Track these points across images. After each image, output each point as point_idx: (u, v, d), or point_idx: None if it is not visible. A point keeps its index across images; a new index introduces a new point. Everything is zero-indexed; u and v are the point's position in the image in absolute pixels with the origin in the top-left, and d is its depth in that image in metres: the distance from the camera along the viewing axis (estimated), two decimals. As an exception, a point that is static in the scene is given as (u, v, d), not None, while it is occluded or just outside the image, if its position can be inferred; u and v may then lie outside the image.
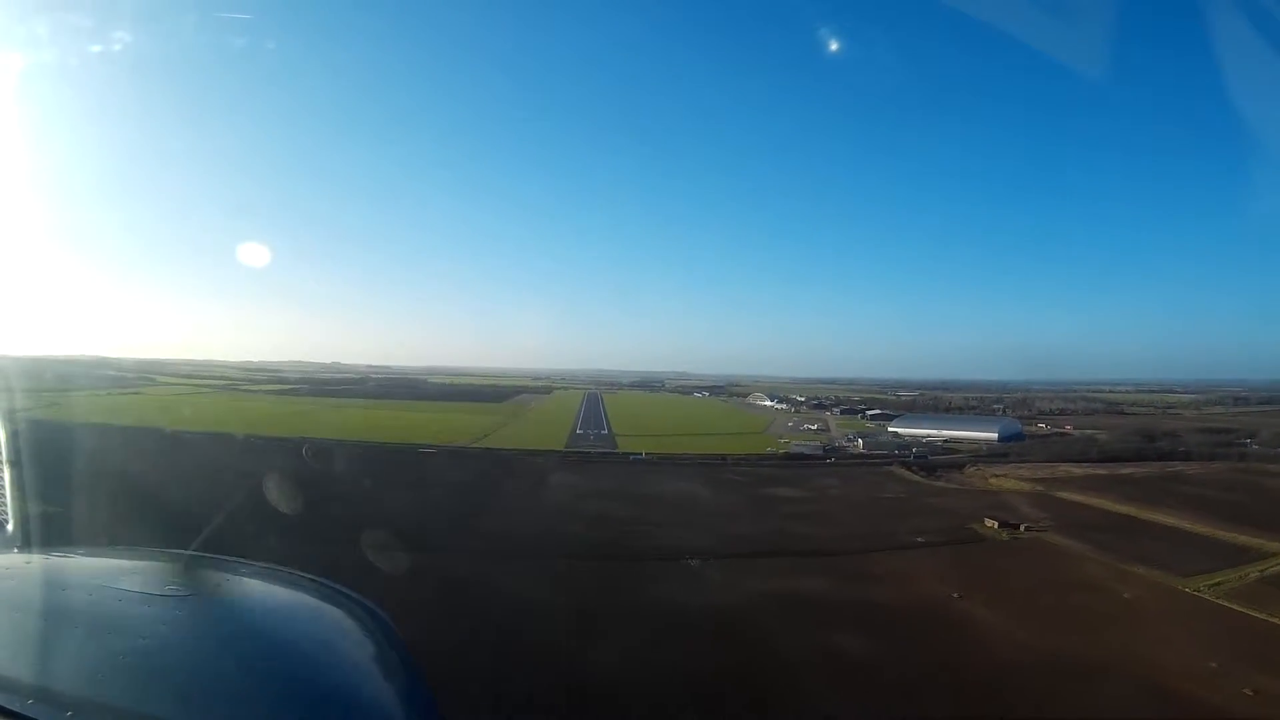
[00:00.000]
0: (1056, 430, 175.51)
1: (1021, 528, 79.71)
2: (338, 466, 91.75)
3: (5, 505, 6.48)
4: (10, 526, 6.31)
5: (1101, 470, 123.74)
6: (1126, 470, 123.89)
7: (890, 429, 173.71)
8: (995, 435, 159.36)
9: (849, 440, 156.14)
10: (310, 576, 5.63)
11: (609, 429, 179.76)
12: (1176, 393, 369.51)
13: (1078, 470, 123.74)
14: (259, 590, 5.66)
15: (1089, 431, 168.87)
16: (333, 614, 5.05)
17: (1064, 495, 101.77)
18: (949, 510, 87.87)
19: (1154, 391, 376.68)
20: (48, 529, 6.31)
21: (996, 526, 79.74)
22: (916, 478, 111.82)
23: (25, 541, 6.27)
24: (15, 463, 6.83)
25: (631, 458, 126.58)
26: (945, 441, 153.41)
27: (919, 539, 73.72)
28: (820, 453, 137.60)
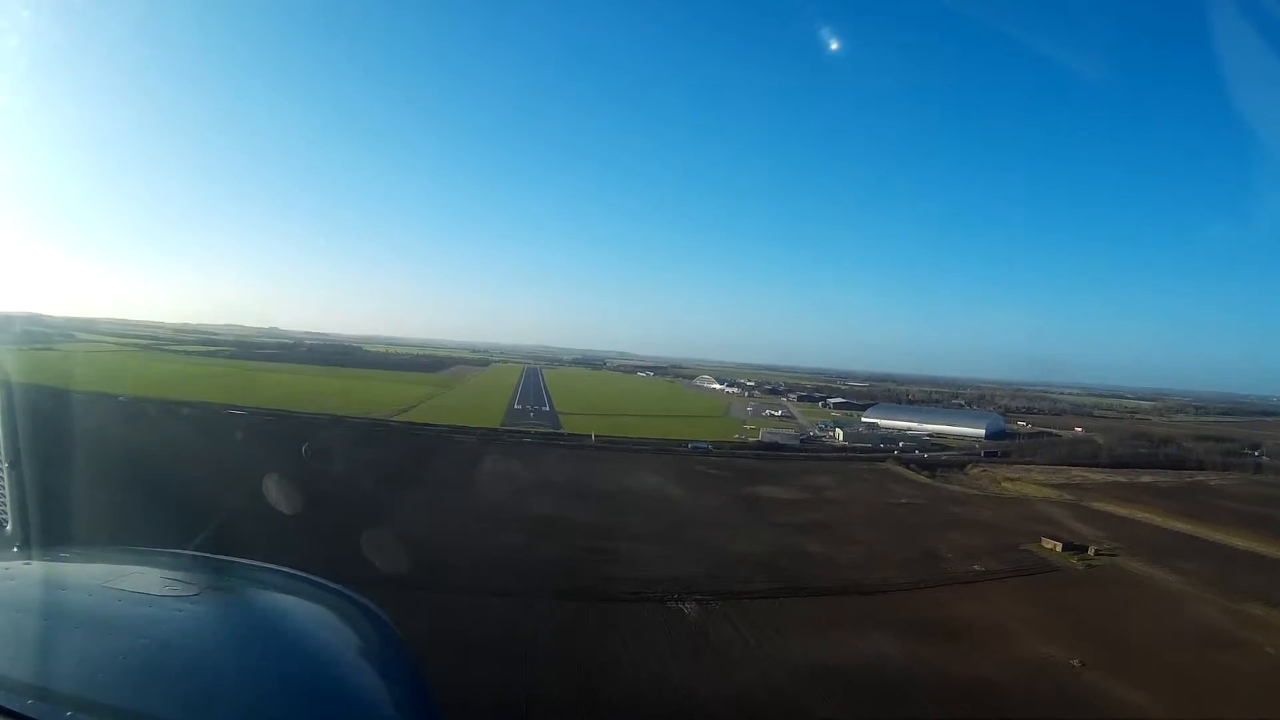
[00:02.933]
0: (1043, 430, 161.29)
1: (1091, 551, 62.24)
2: (216, 440, 70.24)
3: (5, 505, 5.83)
4: (10, 526, 5.74)
5: (1119, 477, 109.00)
6: (1146, 479, 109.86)
7: (865, 419, 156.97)
8: (983, 432, 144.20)
9: (824, 430, 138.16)
10: (310, 576, 5.45)
11: (551, 405, 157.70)
12: (1126, 398, 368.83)
13: (1094, 475, 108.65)
14: (259, 590, 5.44)
15: (1077, 432, 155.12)
16: (333, 614, 4.95)
17: (1099, 506, 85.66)
18: (985, 524, 69.39)
19: (1102, 395, 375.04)
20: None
21: (1060, 549, 62.06)
22: (920, 478, 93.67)
23: (25, 541, 5.67)
24: (15, 462, 6.00)
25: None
26: (930, 436, 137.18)
27: (975, 566, 55.00)
28: (797, 443, 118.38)
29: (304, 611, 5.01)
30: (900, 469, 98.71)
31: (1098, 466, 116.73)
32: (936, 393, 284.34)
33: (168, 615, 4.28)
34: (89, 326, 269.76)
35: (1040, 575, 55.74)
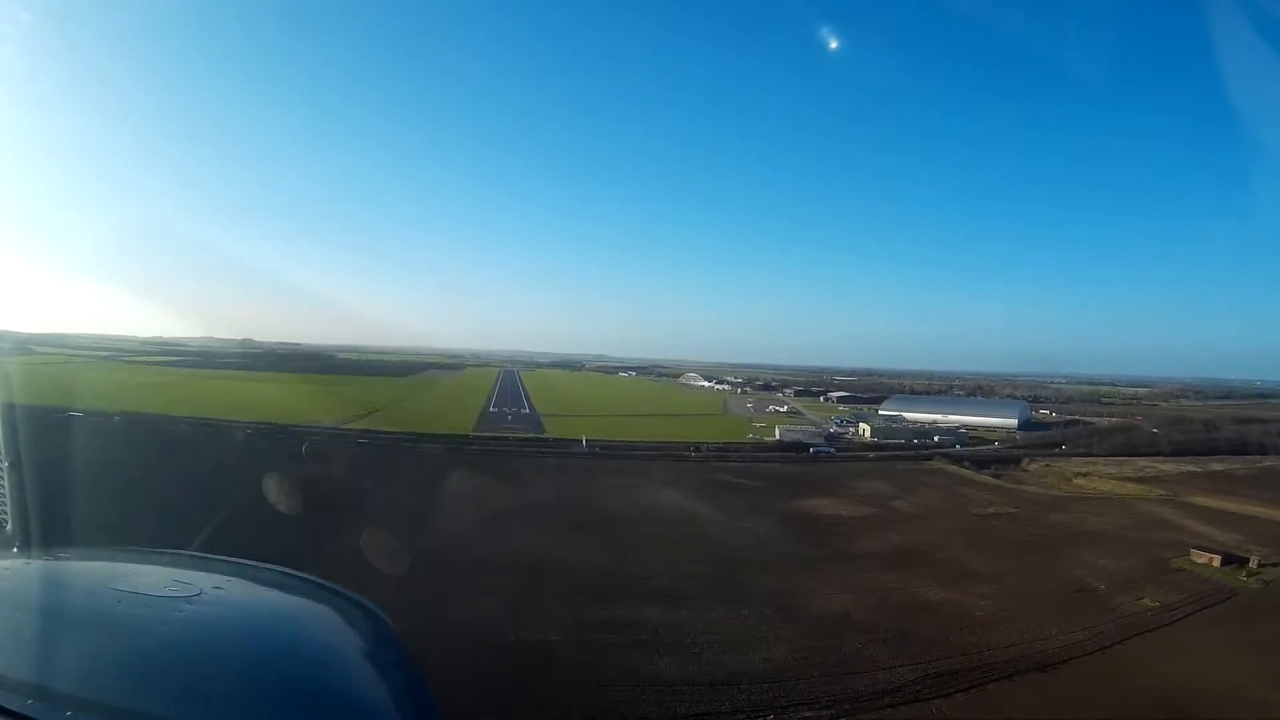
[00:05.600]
0: (1073, 418, 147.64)
1: (1253, 563, 48.51)
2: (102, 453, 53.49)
3: (5, 505, 5.63)
4: (10, 526, 5.55)
5: (1190, 466, 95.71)
6: (1216, 466, 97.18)
7: (883, 412, 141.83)
8: (1015, 422, 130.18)
9: (844, 425, 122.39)
10: (310, 577, 5.34)
11: (531, 407, 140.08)
12: (1118, 386, 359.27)
13: (1163, 466, 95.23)
14: (259, 591, 5.36)
15: (1137, 420, 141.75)
16: (333, 614, 4.85)
17: (1200, 501, 71.91)
18: (1106, 536, 53.96)
19: (1093, 384, 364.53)
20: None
21: (1218, 564, 47.82)
22: (986, 479, 78.03)
23: (25, 541, 5.52)
24: (15, 462, 5.81)
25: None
26: (961, 428, 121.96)
27: (1145, 600, 39.49)
28: (822, 442, 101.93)
29: (304, 612, 4.95)
30: (955, 469, 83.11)
31: (1160, 455, 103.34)
32: (932, 385, 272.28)
33: (168, 615, 4.21)
34: (55, 341, 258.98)
35: (1224, 604, 40.63)
